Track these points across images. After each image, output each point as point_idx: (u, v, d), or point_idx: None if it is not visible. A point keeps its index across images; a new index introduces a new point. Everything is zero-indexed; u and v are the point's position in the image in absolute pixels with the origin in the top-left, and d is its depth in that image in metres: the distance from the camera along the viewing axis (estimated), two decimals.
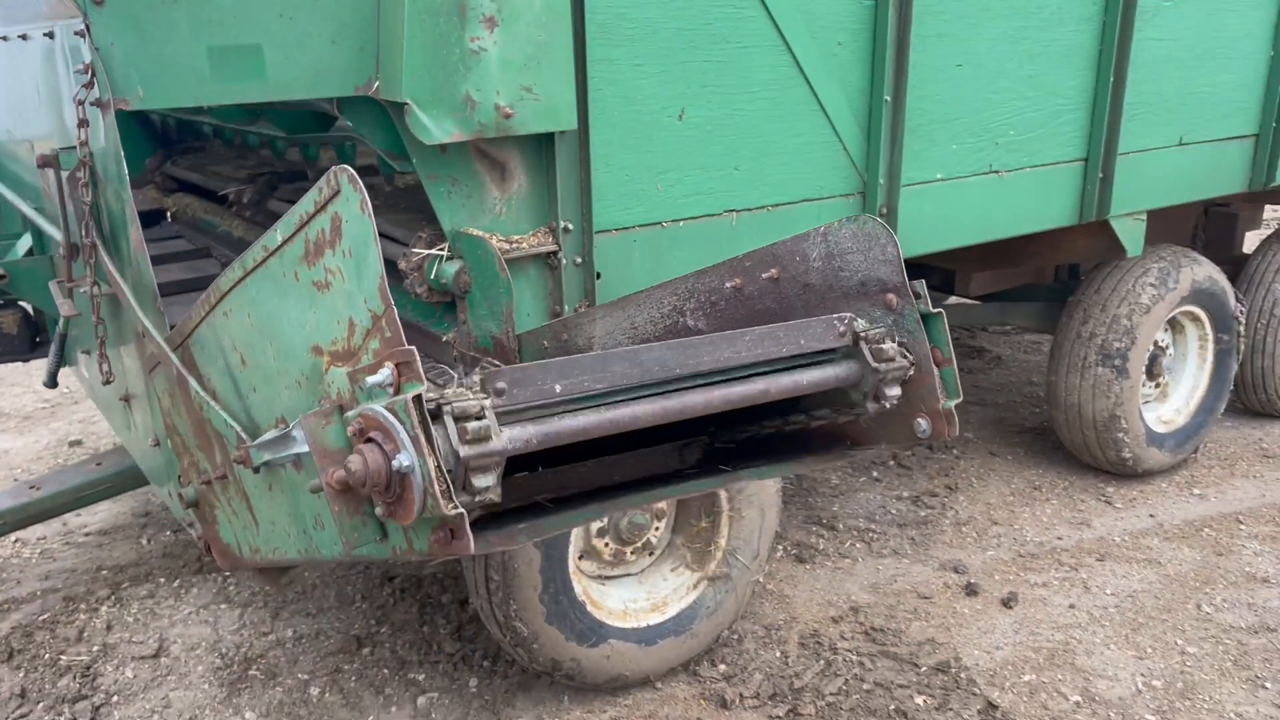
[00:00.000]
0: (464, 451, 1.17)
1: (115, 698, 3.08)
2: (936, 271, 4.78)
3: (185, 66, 2.00)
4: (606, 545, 3.00)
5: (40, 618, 3.48)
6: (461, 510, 1.17)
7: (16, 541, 3.99)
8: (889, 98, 2.94)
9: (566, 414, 1.35)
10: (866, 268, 1.67)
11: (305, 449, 1.28)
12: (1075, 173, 3.51)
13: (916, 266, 4.61)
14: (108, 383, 2.18)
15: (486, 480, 1.19)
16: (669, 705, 3.02)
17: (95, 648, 3.32)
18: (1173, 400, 4.45)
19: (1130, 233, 3.77)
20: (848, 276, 1.68)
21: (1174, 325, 4.37)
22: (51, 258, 3.02)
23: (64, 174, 2.07)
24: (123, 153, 1.88)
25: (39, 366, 5.43)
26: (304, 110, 2.73)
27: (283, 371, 1.48)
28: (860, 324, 1.63)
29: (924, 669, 3.15)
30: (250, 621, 3.47)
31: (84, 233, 1.98)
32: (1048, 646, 3.27)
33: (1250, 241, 5.16)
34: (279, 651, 3.30)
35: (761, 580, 3.60)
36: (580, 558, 2.98)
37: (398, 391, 1.20)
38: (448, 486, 1.17)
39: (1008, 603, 3.49)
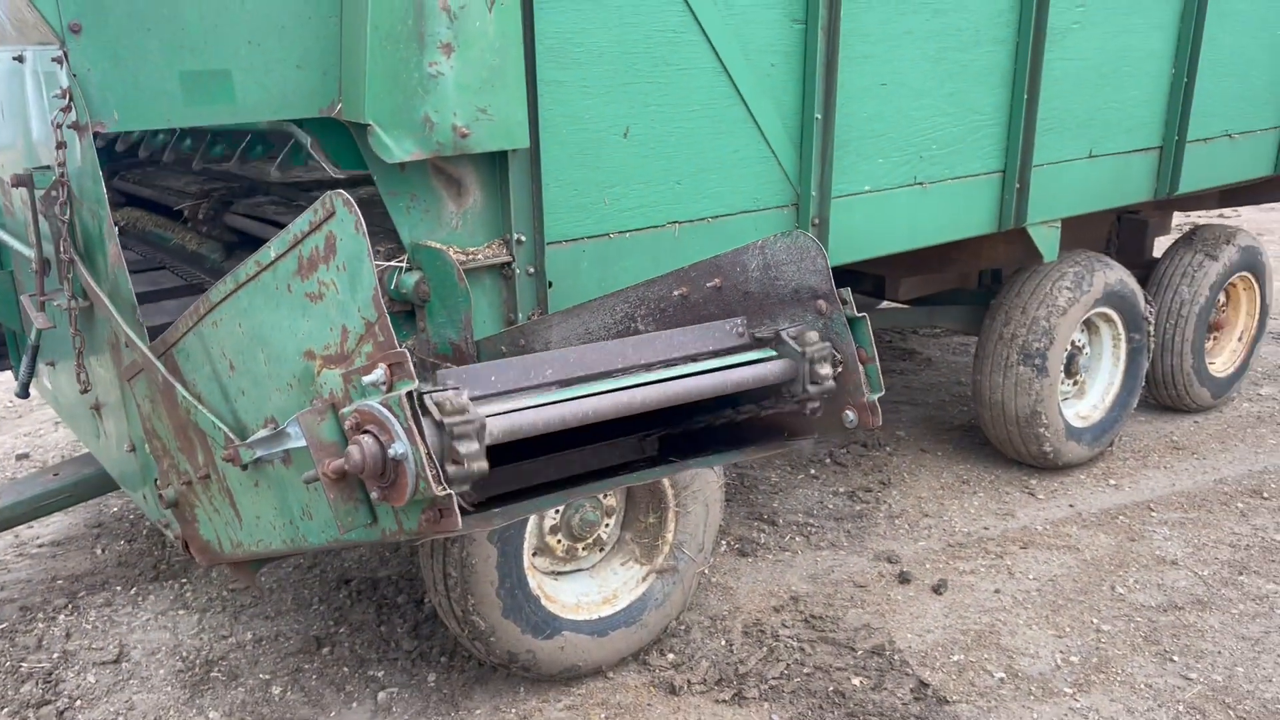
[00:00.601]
0: (448, 421, 1.32)
1: (79, 702, 3.14)
2: (869, 278, 5.02)
3: (158, 91, 2.11)
4: (559, 542, 3.14)
5: None
6: (450, 491, 1.32)
7: None
8: (819, 115, 3.13)
9: (530, 408, 1.50)
10: (799, 277, 1.85)
11: (299, 444, 1.41)
12: (994, 184, 3.75)
13: (849, 273, 4.86)
14: (85, 391, 2.28)
15: (471, 447, 1.34)
16: (621, 693, 3.17)
17: (55, 655, 3.38)
18: (1090, 397, 4.72)
19: (1046, 239, 4.02)
20: (783, 285, 1.86)
21: (1089, 326, 4.64)
22: (12, 273, 3.08)
23: (39, 193, 2.16)
24: (100, 173, 1.99)
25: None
26: (255, 129, 2.84)
27: (274, 375, 1.60)
28: (801, 330, 1.80)
29: (860, 652, 3.34)
30: (209, 626, 3.55)
31: (61, 249, 2.07)
32: (975, 628, 3.48)
33: (1160, 246, 5.47)
34: (239, 653, 3.39)
35: (707, 573, 3.77)
36: (535, 554, 3.12)
37: (390, 389, 1.34)
38: (438, 471, 1.32)
39: (938, 589, 3.70)
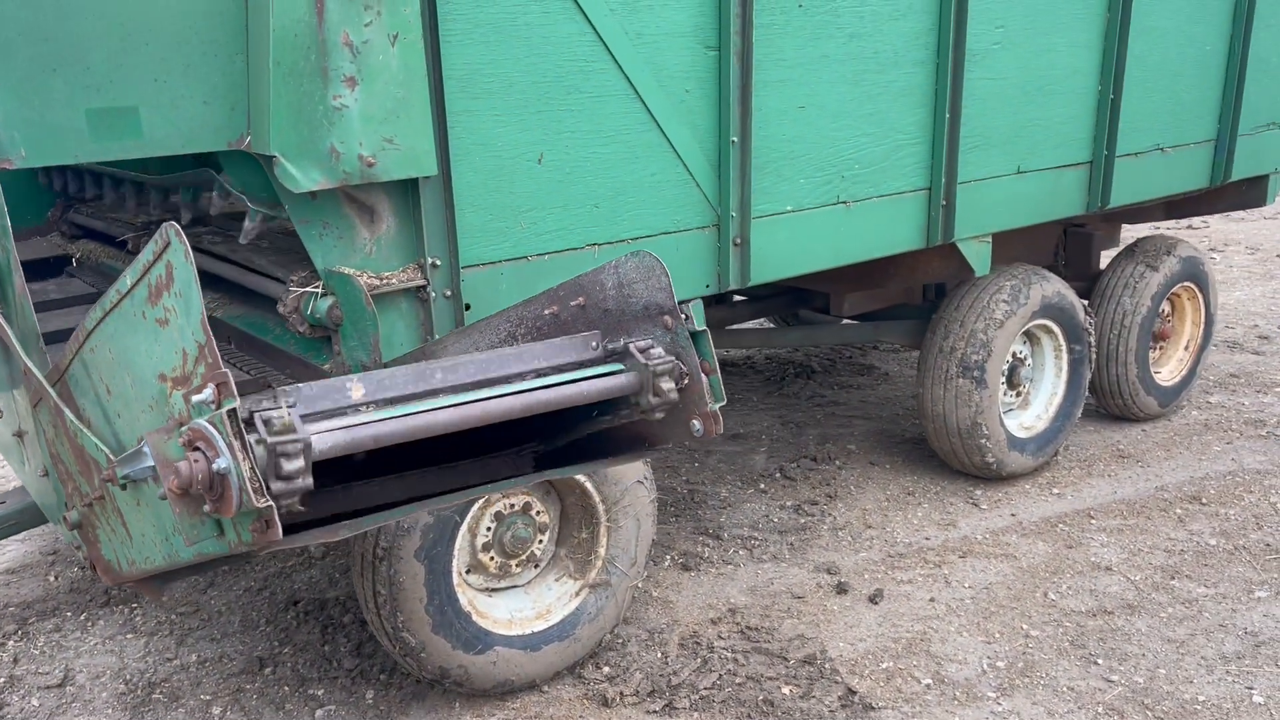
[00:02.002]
0: (270, 440, 1.40)
1: None
2: (816, 295, 5.12)
3: (65, 128, 2.19)
4: (492, 559, 3.21)
5: None
6: (271, 503, 1.40)
7: None
8: (736, 139, 3.23)
9: (370, 421, 1.58)
10: (648, 295, 1.94)
11: (153, 462, 1.49)
12: (919, 201, 3.84)
13: (794, 290, 4.95)
14: None
15: (295, 464, 1.42)
16: (554, 706, 3.23)
17: (1, 679, 3.43)
18: (1033, 407, 4.80)
19: (977, 254, 4.11)
20: (635, 302, 1.94)
21: (1031, 338, 4.73)
22: None
23: None
24: (5, 207, 2.08)
25: None
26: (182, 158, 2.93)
27: (139, 398, 1.68)
28: (646, 343, 1.89)
29: (792, 662, 3.40)
30: (155, 649, 3.61)
31: None
32: (907, 636, 3.55)
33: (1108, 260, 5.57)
34: (183, 675, 3.45)
35: (646, 588, 3.84)
36: (468, 571, 3.18)
37: (219, 407, 1.42)
38: (260, 484, 1.39)
39: (874, 599, 3.77)
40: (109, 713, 3.26)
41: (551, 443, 2.12)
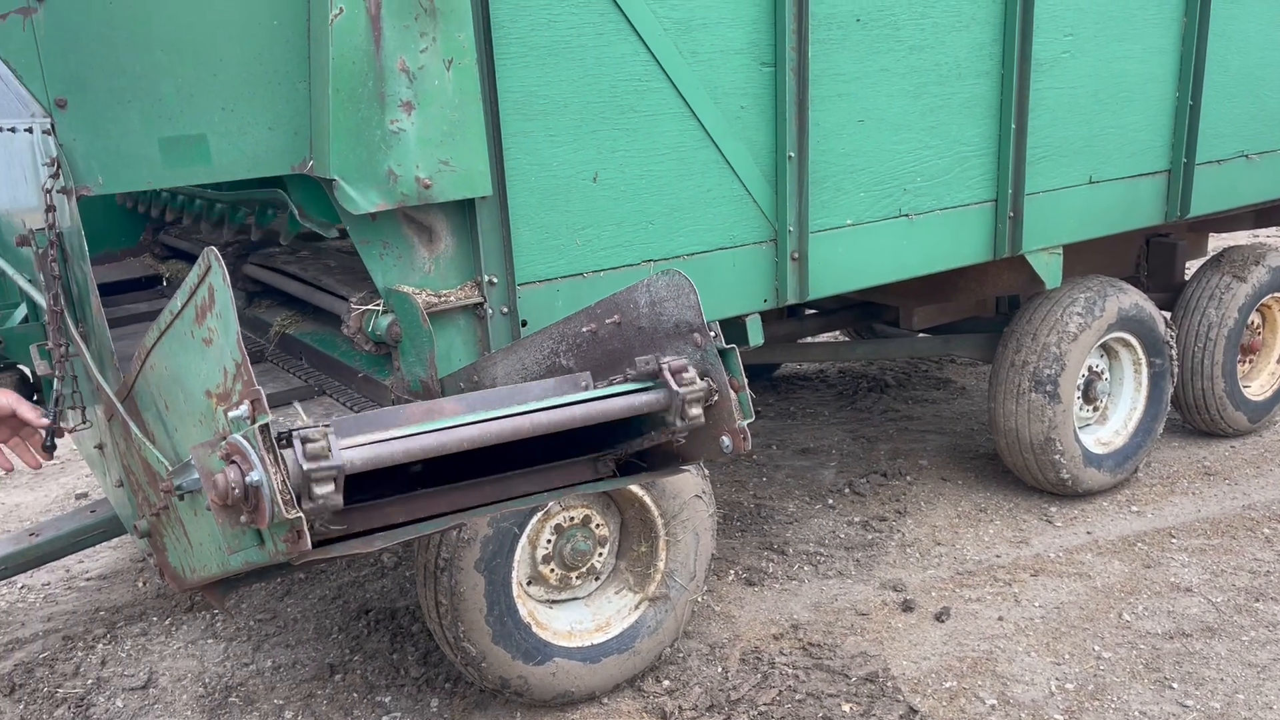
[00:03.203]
0: (306, 466, 1.47)
1: None
2: (886, 308, 5.07)
3: (139, 156, 2.32)
4: (552, 571, 3.26)
5: (41, 655, 3.76)
6: (300, 514, 1.47)
7: (22, 587, 4.29)
8: (793, 154, 3.23)
9: (400, 436, 1.64)
10: (678, 313, 1.96)
11: (199, 474, 1.57)
12: (985, 213, 3.78)
13: (864, 304, 4.91)
14: (75, 429, 2.48)
15: (326, 489, 1.49)
16: (613, 719, 3.26)
17: (89, 681, 3.60)
18: (1111, 423, 4.67)
19: (1047, 266, 4.03)
20: (666, 320, 1.97)
21: (1108, 351, 4.61)
22: (42, 324, 3.35)
23: (38, 251, 2.39)
24: (83, 233, 2.20)
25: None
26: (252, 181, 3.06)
27: (191, 412, 1.77)
28: (678, 361, 1.92)
29: (854, 679, 3.37)
30: (234, 654, 3.74)
31: (53, 301, 2.29)
32: (972, 656, 3.48)
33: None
34: (258, 680, 3.57)
35: (708, 602, 3.84)
36: (528, 583, 3.24)
37: (253, 422, 1.49)
38: (290, 496, 1.46)
39: (940, 617, 3.71)
40: (188, 715, 3.39)
41: (602, 456, 2.17)
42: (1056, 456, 4.37)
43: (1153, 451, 4.99)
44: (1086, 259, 4.62)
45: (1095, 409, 4.62)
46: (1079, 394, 4.47)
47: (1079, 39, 3.82)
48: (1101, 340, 4.43)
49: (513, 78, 2.72)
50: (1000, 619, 3.69)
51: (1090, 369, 4.51)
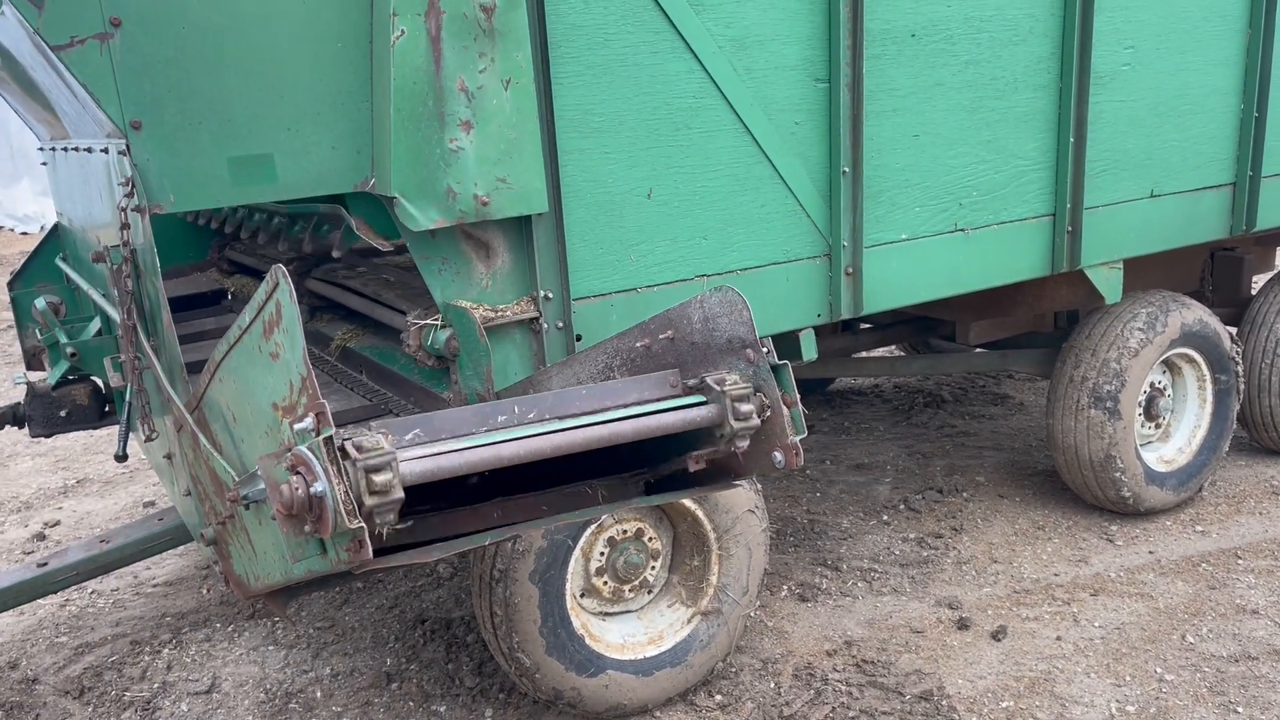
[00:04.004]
0: (363, 463, 1.51)
1: None
2: (943, 323, 5.03)
3: (209, 175, 2.40)
4: (605, 584, 3.28)
5: (109, 659, 3.87)
6: (362, 524, 1.51)
7: (92, 592, 4.42)
8: (847, 169, 3.23)
9: (456, 451, 1.67)
10: (731, 329, 1.97)
11: (264, 484, 1.62)
12: (1043, 227, 3.75)
13: (920, 318, 4.88)
14: (149, 439, 2.57)
15: (386, 480, 1.53)
16: None
17: (156, 685, 3.70)
18: (1175, 440, 4.58)
19: (1107, 280, 3.98)
20: (719, 336, 1.98)
21: (1171, 367, 4.53)
22: (115, 337, 3.46)
23: (112, 267, 2.48)
24: (155, 249, 2.28)
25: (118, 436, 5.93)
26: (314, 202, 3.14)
27: (258, 424, 1.83)
28: (722, 375, 1.93)
29: (908, 697, 3.35)
30: (294, 661, 3.81)
31: (126, 315, 2.38)
32: (1030, 676, 3.44)
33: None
34: (317, 687, 3.63)
35: (761, 617, 3.84)
36: (581, 595, 3.26)
37: (318, 434, 1.54)
38: (353, 506, 1.50)
39: (997, 635, 3.67)
40: (249, 719, 3.46)
41: (655, 472, 2.19)
42: (1117, 474, 4.30)
43: (1218, 470, 4.89)
44: (1148, 273, 4.55)
45: (1157, 426, 4.54)
46: (1140, 411, 4.40)
47: (1140, 51, 3.77)
48: (1164, 356, 4.36)
49: (569, 96, 2.76)
50: (1059, 639, 3.64)
51: (1152, 385, 4.44)
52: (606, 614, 3.35)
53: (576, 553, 3.13)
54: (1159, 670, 3.43)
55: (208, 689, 3.66)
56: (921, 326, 5.14)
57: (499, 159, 2.61)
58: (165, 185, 2.35)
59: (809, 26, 3.10)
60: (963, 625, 3.74)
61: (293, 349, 1.61)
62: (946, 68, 3.37)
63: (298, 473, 1.54)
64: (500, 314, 2.77)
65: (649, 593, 3.40)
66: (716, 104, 3.00)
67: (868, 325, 5.33)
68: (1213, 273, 5.27)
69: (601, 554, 3.23)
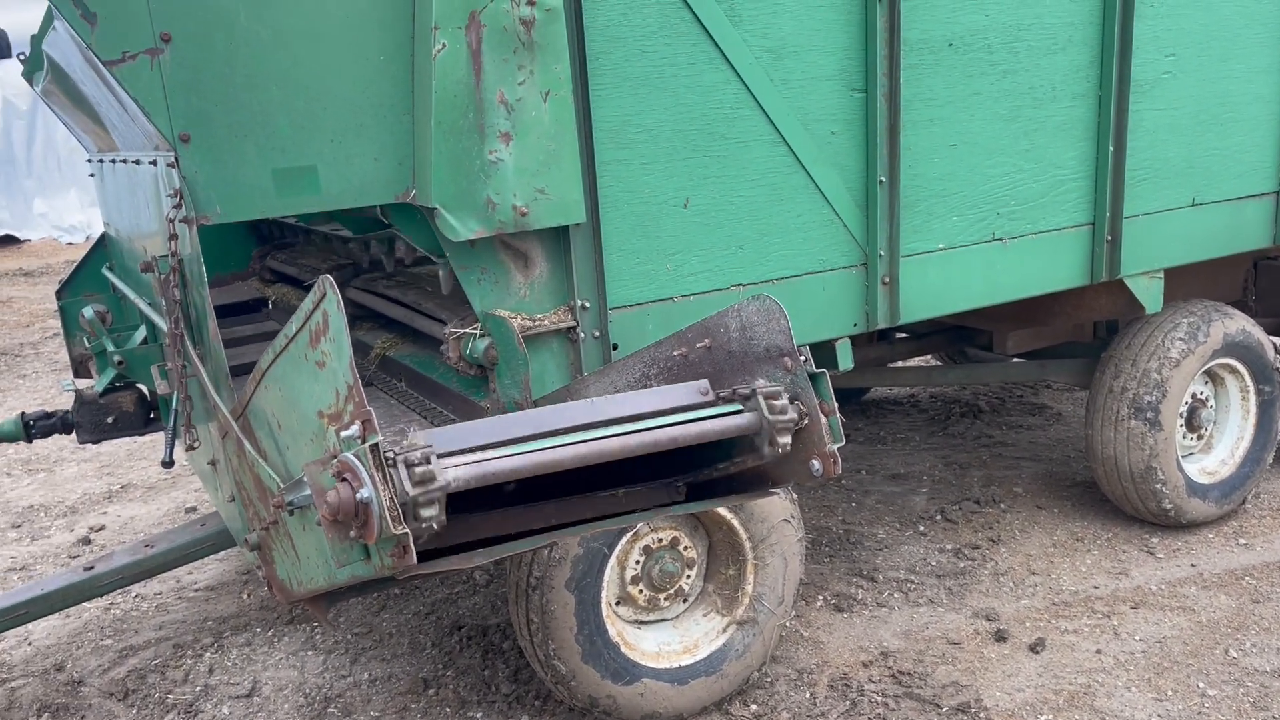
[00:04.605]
0: (412, 491, 1.54)
1: None
2: (980, 332, 5.00)
3: (254, 186, 2.44)
4: (641, 592, 3.29)
5: (153, 662, 3.94)
6: (407, 530, 1.53)
7: (136, 596, 4.49)
8: (884, 178, 3.23)
9: (499, 458, 1.69)
10: (769, 337, 1.98)
11: (310, 490, 1.65)
12: (1082, 236, 3.72)
13: (957, 328, 4.86)
14: (191, 448, 2.62)
15: (431, 511, 1.55)
16: None
17: (198, 688, 3.75)
18: (1217, 452, 4.53)
19: (1147, 290, 3.94)
20: (756, 344, 1.99)
21: (1213, 378, 4.47)
22: (161, 345, 3.53)
23: (160, 277, 2.53)
24: (202, 259, 2.33)
25: (162, 442, 6.03)
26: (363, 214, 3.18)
27: (303, 432, 1.86)
28: (760, 383, 1.94)
29: (945, 709, 3.33)
30: (332, 666, 3.86)
31: (174, 324, 2.43)
32: (1069, 689, 3.40)
33: None
34: (355, 692, 3.67)
35: (796, 627, 3.83)
36: (617, 603, 3.28)
37: (364, 442, 1.57)
38: (398, 512, 1.52)
39: (1035, 648, 3.63)
40: None
41: (693, 477, 2.20)
42: (1158, 486, 4.25)
43: (1262, 482, 4.81)
44: (1190, 283, 4.50)
45: (1199, 437, 4.48)
46: (1182, 422, 4.34)
47: (1181, 59, 3.74)
48: (1206, 367, 4.30)
49: (607, 107, 2.79)
50: (1099, 652, 3.60)
51: (1194, 396, 4.39)
52: (642, 622, 3.36)
53: (612, 561, 3.14)
54: (1201, 685, 3.38)
55: (248, 692, 3.71)
56: (958, 336, 5.11)
57: (538, 170, 2.64)
58: (212, 197, 2.40)
59: (845, 37, 3.11)
60: (1000, 637, 3.72)
61: (340, 358, 1.64)
62: (984, 77, 3.36)
63: (344, 479, 1.57)
64: (538, 323, 2.80)
65: (684, 601, 3.41)
66: (753, 114, 3.01)
67: (903, 334, 5.31)
68: (1256, 282, 5.20)
69: (637, 562, 3.24)
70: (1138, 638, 3.68)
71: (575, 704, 3.22)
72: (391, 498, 1.53)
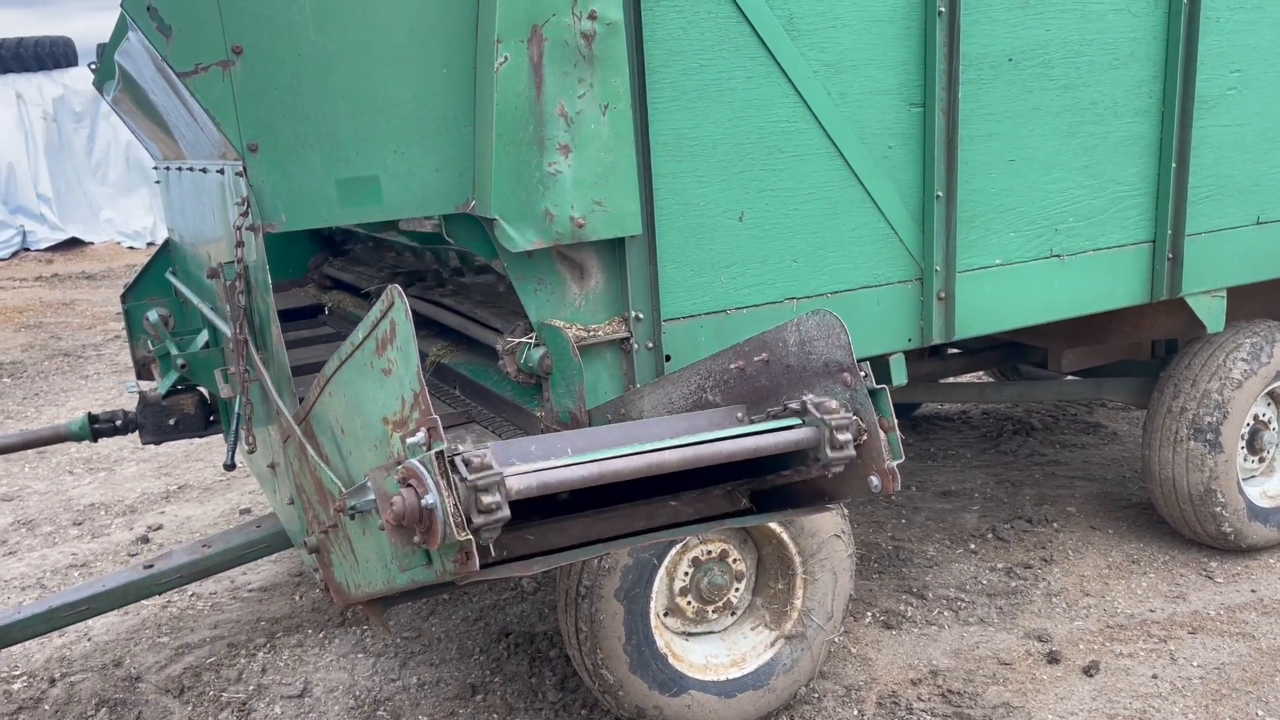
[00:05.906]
0: (472, 478, 1.56)
1: None
2: (1034, 349, 4.94)
3: (318, 195, 2.49)
4: (689, 604, 3.29)
5: (208, 660, 4.01)
6: (470, 536, 1.55)
7: (192, 595, 4.58)
8: (941, 193, 3.22)
9: (560, 466, 1.71)
10: (828, 352, 1.98)
11: (374, 496, 1.68)
12: (1142, 254, 3.67)
13: (1010, 344, 4.81)
14: (252, 451, 2.68)
15: (493, 497, 1.58)
16: None
17: (251, 687, 3.81)
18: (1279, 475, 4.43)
19: (1209, 309, 3.88)
20: (816, 359, 1.99)
21: (1276, 399, 4.38)
22: (223, 349, 3.60)
23: (226, 283, 2.59)
24: (268, 267, 2.38)
25: (219, 444, 6.13)
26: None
27: (366, 438, 1.90)
28: (820, 399, 1.94)
29: None
30: (382, 669, 3.90)
31: (238, 329, 2.48)
32: (1124, 714, 3.35)
33: None
34: (404, 696, 3.71)
35: (845, 644, 3.80)
36: (665, 614, 3.28)
37: (429, 449, 1.59)
38: (462, 519, 1.55)
39: (1089, 671, 3.58)
40: None
41: (745, 485, 2.21)
42: (1217, 509, 4.17)
43: None
44: (1254, 302, 4.41)
45: (1261, 460, 4.39)
46: (1243, 444, 4.26)
47: (1247, 75, 3.68)
48: (1269, 388, 4.22)
49: (664, 121, 2.81)
50: (1155, 677, 3.54)
51: (1256, 418, 4.30)
52: (690, 634, 3.36)
53: (661, 572, 3.15)
54: (1260, 713, 3.31)
55: (300, 693, 3.76)
56: (1012, 352, 5.06)
57: (595, 182, 2.67)
58: (277, 205, 2.45)
59: (904, 51, 3.10)
60: (1053, 659, 3.66)
61: (406, 365, 1.67)
62: (1044, 92, 3.33)
63: (409, 485, 1.59)
64: (592, 333, 2.82)
65: (732, 614, 3.40)
66: (809, 128, 3.02)
67: (956, 350, 5.27)
68: None
69: (686, 574, 3.24)
70: (1195, 663, 3.61)
71: (622, 714, 3.22)
72: (456, 504, 1.55)
